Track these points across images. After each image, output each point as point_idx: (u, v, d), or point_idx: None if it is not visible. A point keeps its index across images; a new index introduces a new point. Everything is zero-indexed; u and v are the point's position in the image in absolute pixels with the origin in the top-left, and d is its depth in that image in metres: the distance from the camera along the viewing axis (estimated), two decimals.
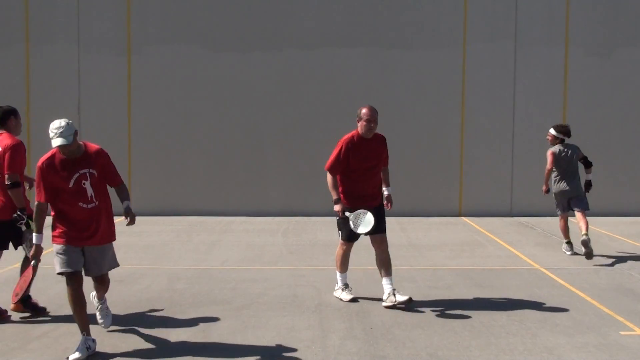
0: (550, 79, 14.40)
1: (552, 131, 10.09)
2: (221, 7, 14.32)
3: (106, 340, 5.97)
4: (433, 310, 6.94)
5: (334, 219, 15.52)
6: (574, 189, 9.93)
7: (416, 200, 14.20)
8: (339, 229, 7.29)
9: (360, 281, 8.03)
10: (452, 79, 14.36)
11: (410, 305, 6.97)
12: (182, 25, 14.32)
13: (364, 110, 7.06)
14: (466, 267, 9.09)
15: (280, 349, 5.79)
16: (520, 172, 14.42)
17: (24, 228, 6.47)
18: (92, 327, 6.32)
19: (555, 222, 13.43)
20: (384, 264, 7.16)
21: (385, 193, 7.32)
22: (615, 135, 14.48)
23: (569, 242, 10.16)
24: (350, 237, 7.25)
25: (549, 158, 9.96)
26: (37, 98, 14.25)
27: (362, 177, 7.06)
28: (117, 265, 6.08)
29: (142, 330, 6.27)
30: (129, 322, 6.51)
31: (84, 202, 5.62)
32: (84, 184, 5.60)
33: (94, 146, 5.76)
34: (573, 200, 9.97)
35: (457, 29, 14.33)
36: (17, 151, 6.45)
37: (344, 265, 7.44)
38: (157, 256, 9.88)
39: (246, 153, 14.40)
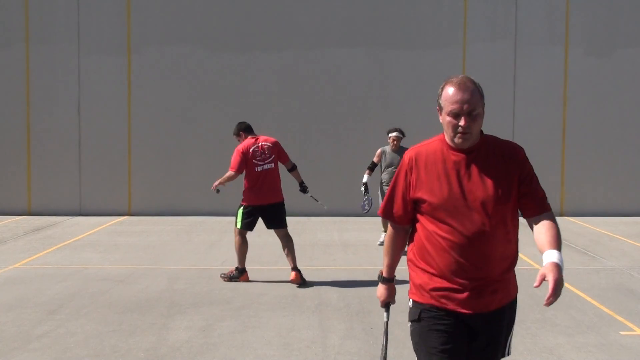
0: (550, 79, 14.39)
1: (398, 134, 10.29)
2: (221, 7, 14.31)
3: (106, 340, 5.97)
4: None
5: (334, 219, 15.43)
6: None
7: None
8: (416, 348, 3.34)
9: (360, 281, 8.03)
10: None
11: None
12: (182, 25, 14.32)
13: (450, 90, 3.11)
14: None
15: (280, 349, 5.78)
16: None
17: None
18: (92, 326, 6.34)
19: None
20: None
21: (545, 262, 3.02)
22: (615, 135, 14.46)
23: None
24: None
25: None
26: (37, 98, 14.24)
27: (457, 236, 3.15)
28: None
29: (142, 331, 6.26)
30: (129, 322, 6.50)
31: None
32: None
33: None
34: None
35: (457, 29, 14.33)
36: (235, 153, 8.56)
37: None
38: (157, 256, 9.88)
39: None
